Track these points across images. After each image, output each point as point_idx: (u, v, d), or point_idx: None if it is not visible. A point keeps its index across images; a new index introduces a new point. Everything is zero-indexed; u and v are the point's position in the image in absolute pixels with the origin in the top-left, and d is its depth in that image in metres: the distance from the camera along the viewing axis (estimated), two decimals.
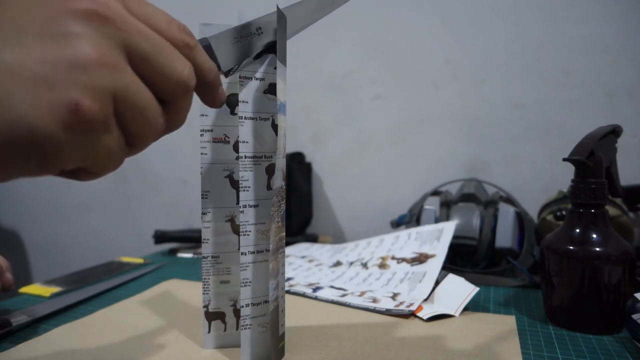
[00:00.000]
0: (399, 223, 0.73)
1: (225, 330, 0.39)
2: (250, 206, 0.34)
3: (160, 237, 0.81)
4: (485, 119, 0.82)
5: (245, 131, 0.34)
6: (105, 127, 0.20)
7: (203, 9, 1.01)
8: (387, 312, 0.47)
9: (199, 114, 0.39)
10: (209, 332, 0.39)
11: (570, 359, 0.37)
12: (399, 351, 0.38)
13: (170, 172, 1.09)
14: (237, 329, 0.39)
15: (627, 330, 0.40)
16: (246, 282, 0.34)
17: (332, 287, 0.56)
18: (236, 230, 0.39)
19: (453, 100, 0.84)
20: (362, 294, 0.52)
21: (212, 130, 0.39)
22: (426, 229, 0.62)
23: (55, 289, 0.57)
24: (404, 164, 0.88)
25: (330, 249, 0.74)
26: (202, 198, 0.39)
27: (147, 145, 0.25)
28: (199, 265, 0.71)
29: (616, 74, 0.74)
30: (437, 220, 0.66)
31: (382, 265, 0.60)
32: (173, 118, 0.26)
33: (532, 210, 0.68)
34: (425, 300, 0.49)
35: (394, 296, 0.51)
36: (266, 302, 0.35)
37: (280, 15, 0.33)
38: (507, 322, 0.45)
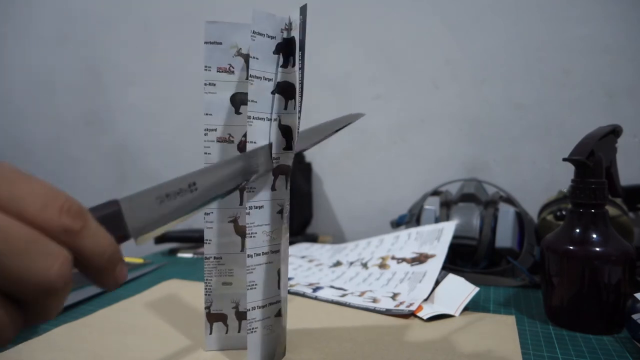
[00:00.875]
0: (399, 223, 0.73)
1: (227, 332, 0.39)
2: (256, 207, 0.34)
3: (160, 237, 0.81)
4: (485, 119, 0.82)
5: (253, 131, 0.33)
6: None
7: (203, 8, 1.01)
8: (387, 312, 0.47)
9: (202, 113, 0.38)
10: (210, 333, 0.39)
11: (570, 359, 0.37)
12: (399, 351, 0.38)
13: (170, 172, 1.08)
14: (239, 331, 0.39)
15: (627, 330, 0.40)
16: (252, 285, 0.34)
17: (332, 287, 0.56)
18: (239, 231, 0.38)
19: (453, 100, 0.84)
20: (362, 294, 0.52)
21: (216, 130, 0.38)
22: (426, 229, 0.62)
23: None
24: (404, 164, 0.88)
25: (330, 249, 0.74)
26: None
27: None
28: (199, 265, 0.71)
29: (616, 74, 0.74)
30: (437, 220, 0.66)
31: (382, 265, 0.60)
32: (37, 318, 0.20)
33: (532, 210, 0.68)
34: (425, 300, 0.49)
35: (394, 296, 0.51)
36: (272, 304, 0.35)
37: (303, 10, 0.34)
38: (507, 322, 0.45)
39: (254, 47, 0.33)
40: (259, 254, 0.34)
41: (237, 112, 0.38)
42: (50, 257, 0.18)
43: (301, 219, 0.89)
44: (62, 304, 0.20)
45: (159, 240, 0.81)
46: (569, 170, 0.44)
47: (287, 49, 0.35)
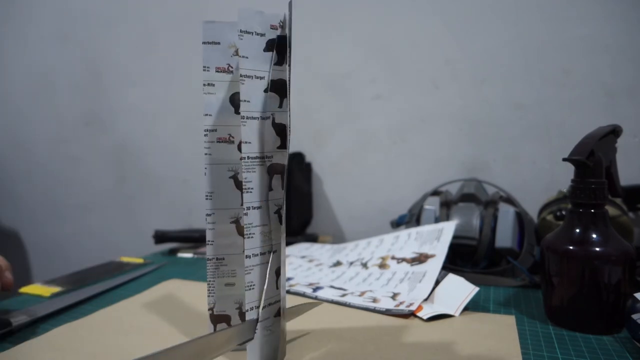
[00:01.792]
0: (399, 223, 0.73)
1: None
2: (254, 208, 0.34)
3: (160, 237, 0.81)
4: (485, 119, 0.82)
5: (247, 131, 0.33)
6: None
7: (203, 8, 1.01)
8: (387, 312, 0.47)
9: (202, 113, 0.38)
10: None
11: (570, 359, 0.37)
12: (399, 351, 0.38)
13: (170, 172, 1.09)
14: None
15: (627, 330, 0.40)
16: (251, 286, 0.34)
17: (332, 287, 0.56)
18: (242, 232, 0.38)
19: (453, 100, 0.84)
20: (362, 294, 0.52)
21: (216, 130, 0.38)
22: (426, 229, 0.62)
23: (55, 289, 0.57)
24: (404, 164, 0.88)
25: (330, 249, 0.74)
26: (207, 199, 0.38)
27: None
28: (199, 265, 0.71)
29: (616, 74, 0.74)
30: (437, 220, 0.66)
31: (382, 265, 0.60)
32: None
33: (532, 210, 0.68)
34: (425, 300, 0.49)
35: (394, 296, 0.51)
36: (271, 304, 0.35)
37: (290, 7, 0.33)
38: (507, 322, 0.45)
39: (243, 46, 0.33)
40: (257, 255, 0.34)
41: (237, 112, 0.37)
42: None
43: (301, 219, 0.89)
44: None
45: (159, 240, 0.81)
46: (569, 170, 0.44)
47: (281, 47, 0.34)
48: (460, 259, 0.64)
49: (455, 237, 0.60)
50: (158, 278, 0.63)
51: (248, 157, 0.34)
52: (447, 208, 0.68)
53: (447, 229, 0.59)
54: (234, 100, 0.37)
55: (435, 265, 0.54)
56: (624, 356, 0.37)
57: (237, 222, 0.38)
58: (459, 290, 0.50)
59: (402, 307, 0.47)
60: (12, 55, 1.23)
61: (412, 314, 0.46)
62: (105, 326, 0.45)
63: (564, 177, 0.52)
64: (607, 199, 0.43)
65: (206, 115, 0.37)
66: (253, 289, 0.34)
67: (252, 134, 0.34)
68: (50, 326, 0.45)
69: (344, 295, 0.52)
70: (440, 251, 0.56)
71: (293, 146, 0.94)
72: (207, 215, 0.38)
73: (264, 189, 0.34)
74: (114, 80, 1.12)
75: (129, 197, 1.14)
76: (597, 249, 0.42)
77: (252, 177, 0.34)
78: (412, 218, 0.70)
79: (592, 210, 0.43)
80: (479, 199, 0.67)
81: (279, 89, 0.34)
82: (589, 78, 0.76)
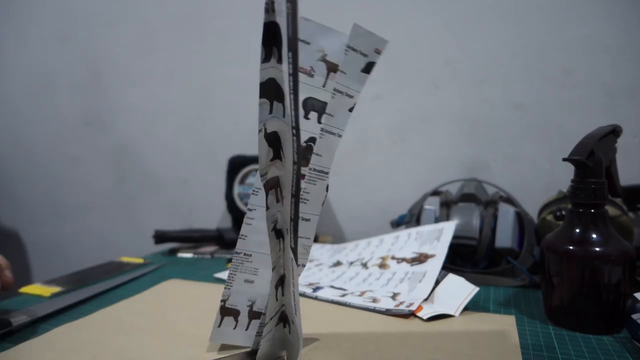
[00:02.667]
0: (399, 223, 0.73)
1: (234, 327, 0.39)
2: (304, 219, 0.34)
3: (160, 237, 0.81)
4: (485, 119, 0.82)
5: (321, 144, 0.33)
6: None
7: (203, 8, 1.01)
8: (387, 312, 0.47)
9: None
10: (219, 326, 0.38)
11: (570, 359, 0.37)
12: (399, 351, 0.38)
13: (170, 172, 1.09)
14: (246, 329, 0.39)
15: (627, 330, 0.40)
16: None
17: (332, 287, 0.56)
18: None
19: (453, 100, 0.84)
20: (362, 294, 0.52)
21: None
22: (426, 229, 0.62)
23: (55, 289, 0.57)
24: (404, 164, 0.88)
25: (330, 249, 0.74)
26: (253, 194, 0.37)
27: None
28: (199, 265, 0.71)
29: (616, 74, 0.74)
30: (437, 220, 0.66)
31: (382, 265, 0.60)
32: None
33: (532, 210, 0.68)
34: (425, 300, 0.49)
35: (394, 296, 0.51)
36: (271, 318, 0.36)
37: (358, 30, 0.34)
38: (507, 322, 0.45)
39: (345, 61, 0.33)
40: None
41: (306, 116, 0.36)
42: None
43: None
44: None
45: (159, 240, 0.81)
46: (569, 170, 0.44)
47: (269, 37, 0.31)
48: (460, 259, 0.64)
49: (455, 237, 0.60)
50: (158, 278, 0.63)
51: (314, 169, 0.35)
52: (447, 208, 0.68)
53: (447, 229, 0.59)
54: (306, 105, 0.36)
55: (435, 265, 0.54)
56: (624, 356, 0.37)
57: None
58: (459, 290, 0.50)
59: (402, 307, 0.47)
60: (12, 55, 1.23)
61: (412, 314, 0.46)
62: (105, 326, 0.45)
63: (564, 177, 0.52)
64: (607, 199, 0.43)
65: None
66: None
67: (325, 148, 0.34)
68: (50, 326, 0.45)
69: (344, 295, 0.52)
70: (440, 251, 0.56)
71: None
72: (249, 210, 0.37)
73: (318, 202, 0.35)
74: (114, 80, 1.12)
75: (129, 197, 1.14)
76: (597, 249, 0.42)
77: (311, 189, 0.35)
78: (412, 218, 0.70)
79: (592, 210, 0.43)
80: (479, 199, 0.67)
81: (267, 91, 0.33)
82: (589, 78, 0.76)
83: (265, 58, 0.32)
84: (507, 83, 0.81)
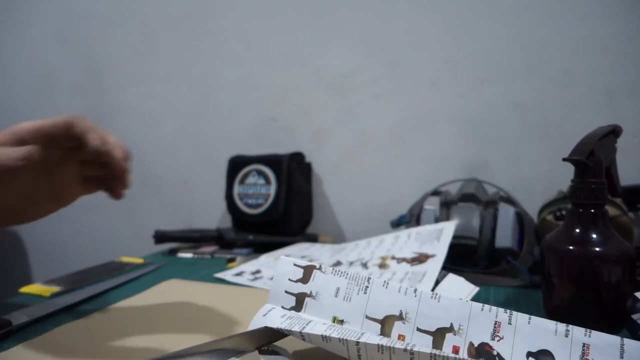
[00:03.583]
0: (399, 223, 0.73)
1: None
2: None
3: (160, 237, 0.81)
4: (486, 119, 0.82)
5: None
6: None
7: (203, 8, 1.01)
8: None
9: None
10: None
11: None
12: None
13: (170, 172, 1.09)
14: None
15: (627, 330, 0.40)
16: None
17: None
18: None
19: (453, 100, 0.84)
20: None
21: None
22: (426, 229, 0.62)
23: (55, 289, 0.57)
24: (404, 164, 0.88)
25: (330, 249, 0.74)
26: None
27: None
28: (199, 265, 0.71)
29: (616, 74, 0.74)
30: (437, 220, 0.66)
31: (382, 265, 0.60)
32: None
33: (532, 210, 0.68)
34: None
35: None
36: None
37: None
38: None
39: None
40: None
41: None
42: None
43: (301, 219, 0.89)
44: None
45: (159, 240, 0.81)
46: (569, 170, 0.44)
47: None
48: (460, 259, 0.64)
49: (455, 237, 0.60)
50: (158, 278, 0.63)
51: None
52: (447, 208, 0.68)
53: (447, 229, 0.59)
54: None
55: (435, 265, 0.54)
56: None
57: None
58: (459, 290, 0.50)
59: None
60: (12, 55, 1.23)
61: None
62: (105, 326, 0.45)
63: (564, 177, 0.52)
64: (607, 199, 0.43)
65: None
66: None
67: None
68: (50, 326, 0.45)
69: None
70: (440, 251, 0.56)
71: (293, 146, 0.94)
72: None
73: None
74: (113, 80, 1.12)
75: (129, 197, 1.13)
76: (597, 249, 0.41)
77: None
78: (412, 218, 0.70)
79: (592, 210, 0.43)
80: (479, 199, 0.67)
81: None
82: (589, 78, 0.76)
83: None
84: (507, 83, 0.81)
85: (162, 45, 1.06)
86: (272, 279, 0.40)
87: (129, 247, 1.06)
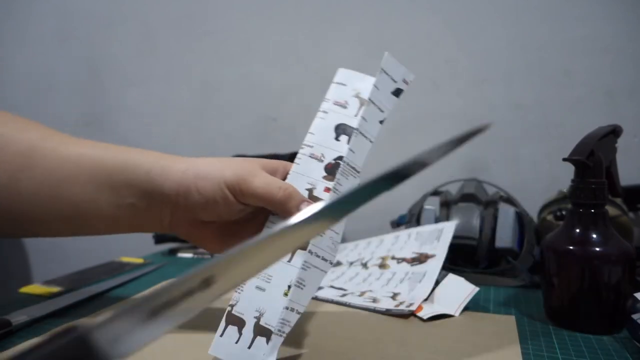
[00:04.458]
0: (399, 223, 0.73)
1: (237, 342, 0.35)
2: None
3: (160, 237, 0.81)
4: (486, 119, 0.82)
5: (355, 142, 0.39)
6: None
7: (203, 9, 1.01)
8: (387, 312, 0.47)
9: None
10: (221, 335, 0.36)
11: (570, 359, 0.37)
12: (399, 351, 0.38)
13: None
14: (249, 347, 0.35)
15: (627, 330, 0.40)
16: (301, 284, 0.36)
17: (332, 287, 0.56)
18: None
19: (453, 100, 0.84)
20: (362, 294, 0.52)
21: (312, 147, 0.41)
22: (426, 229, 0.62)
23: (55, 289, 0.57)
24: None
25: None
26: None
27: None
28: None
29: (616, 74, 0.74)
30: (437, 220, 0.66)
31: (382, 265, 0.60)
32: None
33: (532, 210, 0.68)
34: (425, 300, 0.49)
35: (394, 296, 0.50)
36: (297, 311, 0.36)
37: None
38: (507, 322, 0.45)
39: (379, 80, 0.40)
40: (318, 257, 0.37)
41: (337, 138, 0.41)
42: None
43: None
44: None
45: (159, 240, 0.81)
46: (569, 170, 0.44)
47: None
48: (460, 259, 0.64)
49: (455, 237, 0.60)
50: (158, 278, 0.63)
51: (348, 164, 0.39)
52: (447, 208, 0.68)
53: (447, 229, 0.59)
54: (338, 129, 0.41)
55: (435, 265, 0.54)
56: (624, 356, 0.37)
57: None
58: (459, 290, 0.50)
59: (402, 307, 0.47)
60: (12, 55, 1.23)
61: (412, 314, 0.46)
62: None
63: (564, 177, 0.52)
64: (607, 199, 0.43)
65: (310, 133, 0.42)
66: (301, 288, 0.36)
67: (359, 147, 0.40)
68: (50, 326, 0.45)
69: (344, 295, 0.52)
70: (440, 251, 0.56)
71: (293, 146, 0.94)
72: (271, 214, 0.38)
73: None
74: (113, 80, 1.12)
75: None
76: (597, 249, 0.42)
77: (343, 182, 0.39)
78: (412, 218, 0.70)
79: (592, 210, 0.43)
80: (479, 199, 0.67)
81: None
82: (589, 78, 0.76)
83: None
84: (507, 83, 0.81)
85: (162, 45, 1.06)
86: None
87: (129, 247, 1.06)
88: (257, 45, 0.97)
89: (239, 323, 0.36)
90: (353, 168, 0.40)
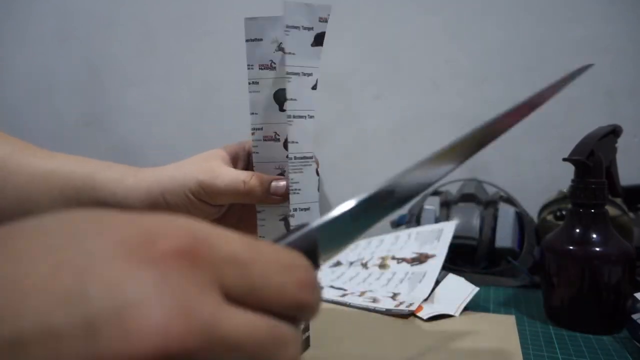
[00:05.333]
0: (399, 223, 0.73)
1: None
2: (302, 210, 0.34)
3: None
4: (486, 119, 0.82)
5: (294, 131, 0.33)
6: None
7: (203, 8, 1.01)
8: (387, 312, 0.47)
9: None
10: None
11: (570, 359, 0.37)
12: (399, 351, 0.38)
13: None
14: None
15: (627, 330, 0.40)
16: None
17: (332, 287, 0.56)
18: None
19: (453, 100, 0.84)
20: (362, 294, 0.52)
21: (262, 129, 0.37)
22: (426, 229, 0.62)
23: None
24: (404, 164, 0.88)
25: None
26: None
27: None
28: None
29: (616, 74, 0.74)
30: (437, 220, 0.66)
31: (382, 265, 0.60)
32: None
33: (532, 210, 0.68)
34: (425, 300, 0.49)
35: (394, 296, 0.51)
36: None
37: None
38: (507, 322, 0.45)
39: (289, 42, 0.32)
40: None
41: (281, 109, 0.36)
42: (291, 345, 0.17)
43: None
44: None
45: None
46: (569, 170, 0.44)
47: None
48: (460, 259, 0.64)
49: (455, 237, 0.60)
50: None
51: (295, 158, 0.34)
52: (447, 208, 0.68)
53: (447, 229, 0.59)
54: (278, 98, 0.36)
55: (435, 265, 0.54)
56: (624, 356, 0.37)
57: (285, 219, 0.37)
58: (459, 290, 0.50)
59: (402, 307, 0.47)
60: (12, 55, 1.23)
61: (412, 314, 0.46)
62: None
63: (564, 177, 0.52)
64: (607, 199, 0.43)
65: (252, 114, 0.37)
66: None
67: (299, 133, 0.34)
68: None
69: (344, 295, 0.52)
70: (440, 251, 0.56)
71: None
72: (257, 212, 0.37)
73: (312, 189, 0.34)
74: (113, 80, 1.12)
75: None
76: (597, 249, 0.42)
77: (299, 178, 0.34)
78: (412, 218, 0.70)
79: (592, 210, 0.43)
80: (479, 199, 0.67)
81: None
82: (589, 78, 0.76)
83: None
84: (507, 83, 0.81)
85: (162, 45, 1.06)
86: None
87: None
88: None
89: None
90: (303, 158, 0.36)
